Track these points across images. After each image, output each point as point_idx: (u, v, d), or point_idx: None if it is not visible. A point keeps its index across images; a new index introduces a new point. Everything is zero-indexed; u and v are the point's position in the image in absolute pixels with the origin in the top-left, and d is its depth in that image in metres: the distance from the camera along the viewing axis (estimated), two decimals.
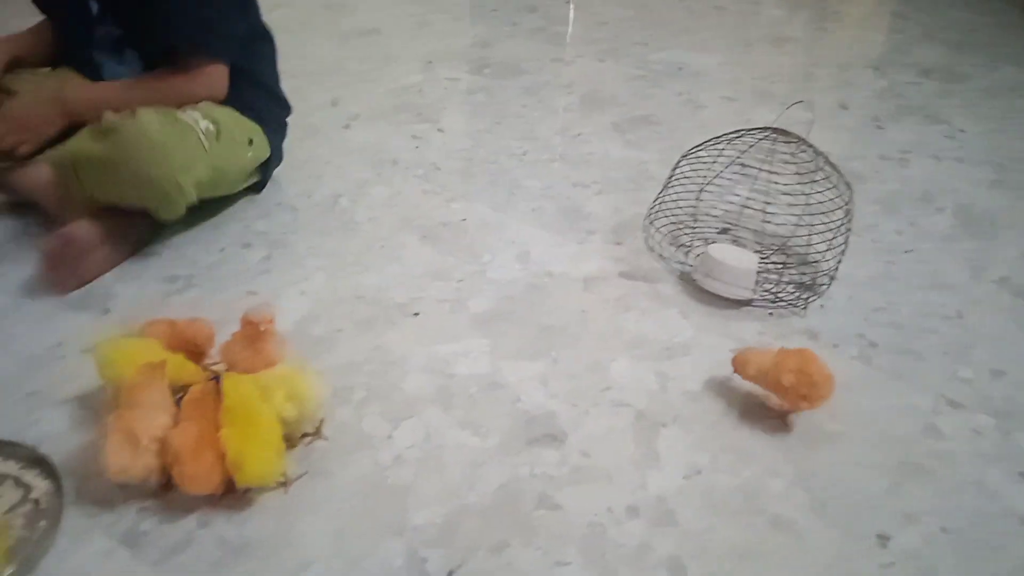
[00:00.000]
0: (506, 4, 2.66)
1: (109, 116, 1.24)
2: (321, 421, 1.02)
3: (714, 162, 1.43)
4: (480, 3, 2.64)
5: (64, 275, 1.24)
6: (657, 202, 1.45)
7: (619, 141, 1.83)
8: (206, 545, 0.89)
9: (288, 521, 0.92)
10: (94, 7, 1.35)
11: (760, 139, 1.35)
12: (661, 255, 1.41)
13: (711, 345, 1.22)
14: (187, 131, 1.28)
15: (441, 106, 1.94)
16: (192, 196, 1.28)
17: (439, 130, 1.82)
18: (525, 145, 1.79)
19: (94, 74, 1.42)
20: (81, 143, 1.27)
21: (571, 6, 2.71)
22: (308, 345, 1.17)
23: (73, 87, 1.35)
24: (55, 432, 1.00)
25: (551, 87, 2.09)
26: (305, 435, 1.01)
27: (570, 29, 2.51)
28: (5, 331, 1.16)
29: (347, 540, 0.90)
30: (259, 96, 1.47)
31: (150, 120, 1.23)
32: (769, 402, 1.09)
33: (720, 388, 1.14)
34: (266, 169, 1.49)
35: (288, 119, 1.56)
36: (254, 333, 1.04)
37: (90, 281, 1.27)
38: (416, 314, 1.26)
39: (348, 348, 1.18)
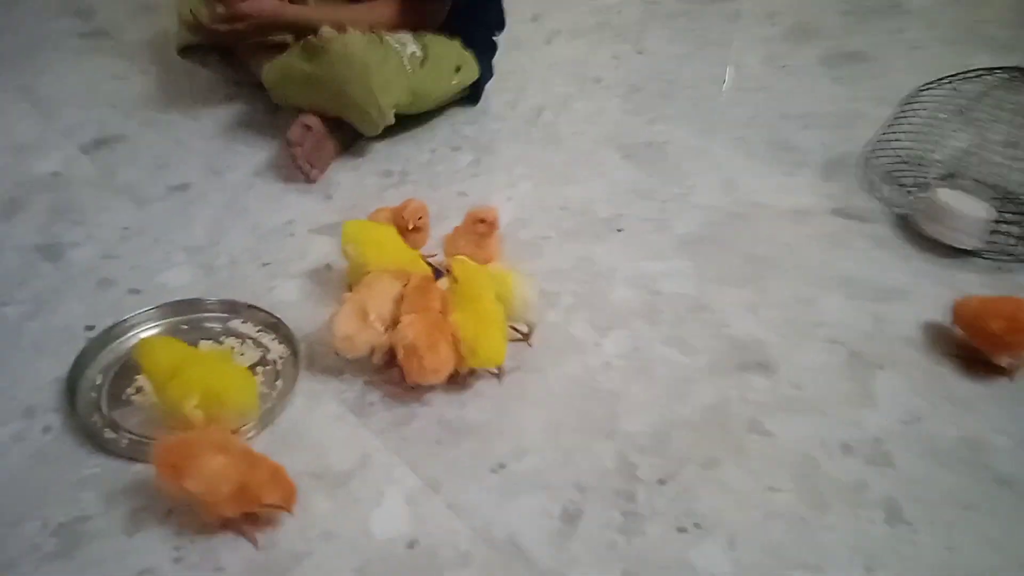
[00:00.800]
0: None
1: (325, 31, 1.28)
2: (530, 328, 1.03)
3: (942, 104, 1.34)
4: None
5: (310, 161, 1.29)
6: (877, 140, 1.37)
7: (827, 76, 1.74)
8: (428, 423, 0.92)
9: (504, 410, 0.94)
10: None
11: (1006, 79, 1.24)
12: (878, 195, 1.34)
13: (930, 292, 1.16)
14: (391, 55, 1.31)
15: (641, 28, 1.89)
16: (390, 116, 1.32)
17: (639, 52, 1.79)
18: (727, 73, 1.73)
19: None
20: (292, 58, 1.32)
21: None
22: (516, 248, 1.19)
23: (295, 7, 1.38)
24: (288, 301, 1.07)
25: (755, 15, 2.01)
26: (515, 332, 1.03)
27: None
28: (242, 206, 1.24)
29: (560, 435, 0.92)
30: (474, 20, 1.48)
31: (356, 41, 1.27)
32: (993, 357, 1.03)
33: (939, 336, 1.08)
34: (478, 86, 1.50)
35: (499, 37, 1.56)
36: (479, 229, 1.06)
37: (326, 168, 1.32)
38: (620, 230, 1.25)
39: (555, 255, 1.19)
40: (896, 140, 1.37)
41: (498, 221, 1.07)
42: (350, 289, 1.00)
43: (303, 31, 1.32)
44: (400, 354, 0.90)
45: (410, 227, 1.07)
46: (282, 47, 1.36)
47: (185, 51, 1.41)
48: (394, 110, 1.31)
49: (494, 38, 1.55)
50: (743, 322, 1.09)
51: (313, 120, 1.30)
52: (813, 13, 2.02)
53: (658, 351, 1.04)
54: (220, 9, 1.30)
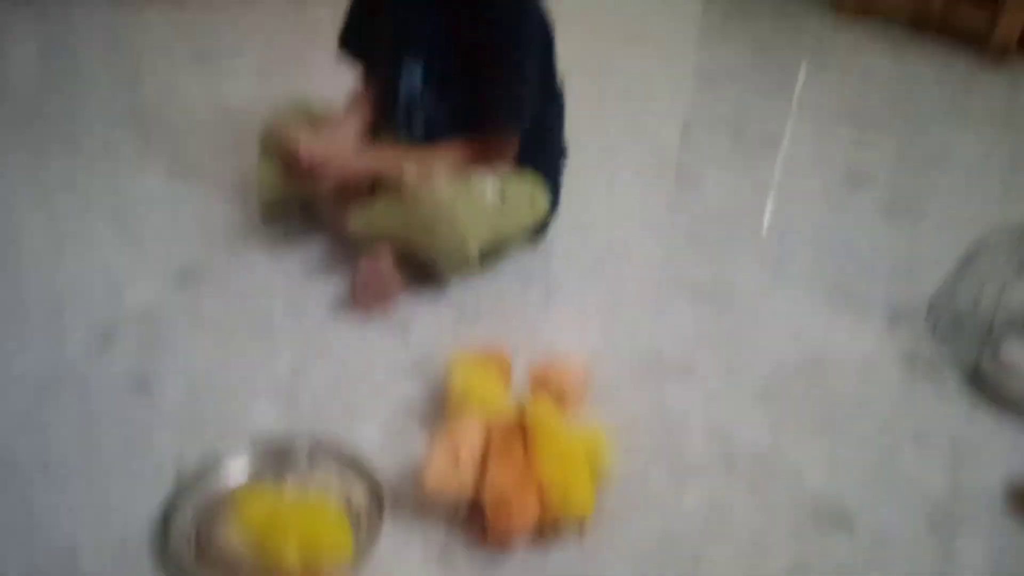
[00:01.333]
0: (759, 75, 2.66)
1: (411, 177, 1.35)
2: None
3: (1006, 256, 1.37)
4: (732, 72, 2.66)
5: (371, 299, 1.34)
6: (940, 290, 1.39)
7: (885, 223, 1.78)
8: (513, 571, 0.92)
9: (586, 565, 0.94)
10: (417, 76, 1.46)
11: None
12: (945, 346, 1.35)
13: (1003, 448, 1.15)
14: (475, 195, 1.38)
15: (700, 170, 1.96)
16: (475, 254, 1.38)
17: (700, 194, 1.84)
18: (787, 218, 1.77)
19: (394, 135, 1.56)
20: (379, 205, 1.39)
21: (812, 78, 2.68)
22: (590, 393, 1.21)
23: (377, 153, 1.47)
24: (370, 439, 1.09)
25: (810, 161, 2.07)
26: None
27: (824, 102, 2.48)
28: (323, 343, 1.28)
29: None
30: (543, 152, 1.55)
31: (443, 187, 1.34)
32: None
33: (1016, 495, 1.07)
34: (546, 221, 1.57)
35: (564, 162, 1.62)
36: (557, 383, 1.09)
37: (389, 304, 1.36)
38: (692, 374, 1.27)
39: (629, 400, 1.21)
40: (960, 291, 1.38)
41: (573, 377, 1.10)
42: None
43: (382, 180, 1.40)
44: (489, 508, 0.90)
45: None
46: (365, 193, 1.43)
47: (269, 210, 1.48)
48: (479, 248, 1.36)
49: (560, 166, 1.61)
50: (820, 475, 1.09)
51: (383, 258, 1.35)
52: (868, 160, 2.07)
53: (737, 506, 1.04)
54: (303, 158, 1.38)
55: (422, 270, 1.41)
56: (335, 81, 1.63)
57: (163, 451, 1.05)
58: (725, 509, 1.03)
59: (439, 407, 1.15)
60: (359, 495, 1.00)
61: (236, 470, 1.02)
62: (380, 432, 1.11)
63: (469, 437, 0.98)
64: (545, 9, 1.44)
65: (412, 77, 1.47)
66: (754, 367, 1.29)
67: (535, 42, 1.42)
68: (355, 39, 1.58)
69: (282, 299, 1.37)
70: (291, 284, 1.40)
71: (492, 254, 1.47)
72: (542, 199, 1.52)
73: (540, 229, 1.58)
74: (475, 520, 0.96)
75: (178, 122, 2.00)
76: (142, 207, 1.61)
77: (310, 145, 1.39)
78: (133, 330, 1.27)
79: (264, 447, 1.05)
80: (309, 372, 1.21)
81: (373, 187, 1.43)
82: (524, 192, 1.48)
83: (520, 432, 1.01)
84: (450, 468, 0.95)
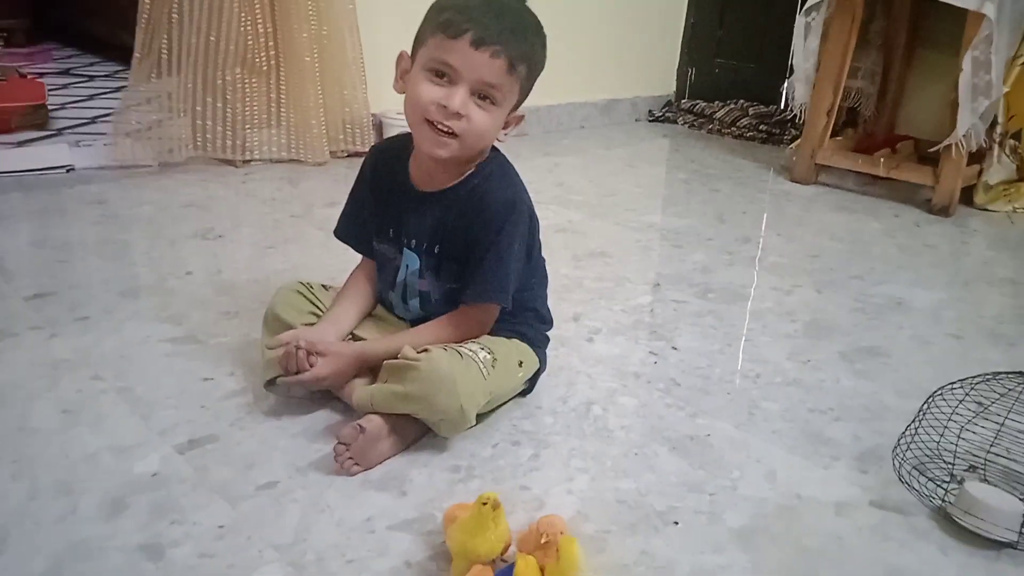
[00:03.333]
0: (721, 235, 2.85)
1: (408, 351, 1.48)
2: None
3: (960, 401, 1.48)
4: (697, 232, 2.85)
5: (354, 459, 1.42)
6: (904, 434, 1.49)
7: (849, 370, 1.90)
8: None
9: None
10: (414, 263, 1.62)
11: (1021, 381, 1.39)
12: (912, 487, 1.44)
13: None
14: (470, 364, 1.49)
15: (673, 326, 2.09)
16: (472, 420, 1.49)
17: (674, 348, 1.96)
18: (757, 368, 1.89)
19: (390, 310, 1.73)
20: (380, 383, 1.51)
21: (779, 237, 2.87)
22: (582, 541, 1.25)
23: (376, 344, 1.60)
24: None
25: (774, 314, 2.21)
26: None
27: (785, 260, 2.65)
28: (325, 503, 1.34)
29: None
30: (527, 320, 1.69)
31: (440, 357, 1.45)
32: None
33: None
34: (534, 378, 1.67)
35: (550, 332, 1.75)
36: (545, 542, 1.16)
37: (373, 466, 1.44)
38: (676, 523, 1.34)
39: (617, 550, 1.27)
40: (922, 435, 1.48)
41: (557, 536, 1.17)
42: None
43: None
44: None
45: (543, 541, 1.15)
46: (365, 371, 1.56)
47: (271, 383, 1.59)
48: (475, 412, 1.46)
49: (543, 332, 1.73)
50: None
51: (372, 422, 1.43)
52: (827, 312, 2.23)
53: None
54: (288, 366, 1.52)
55: (413, 431, 1.50)
56: (325, 257, 1.77)
57: None
58: None
59: (438, 561, 1.21)
60: None
61: None
62: None
63: None
64: (527, 195, 1.61)
65: (411, 265, 1.61)
66: (735, 513, 1.37)
67: (523, 230, 1.58)
68: (352, 231, 1.75)
69: (285, 462, 1.44)
70: (294, 448, 1.48)
71: (486, 412, 1.57)
72: (530, 358, 1.64)
73: (529, 388, 1.68)
74: None
75: (180, 295, 2.12)
76: (149, 379, 1.69)
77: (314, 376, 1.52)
78: (143, 498, 1.33)
79: None
80: (312, 531, 1.27)
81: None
82: (512, 354, 1.60)
83: None
84: None
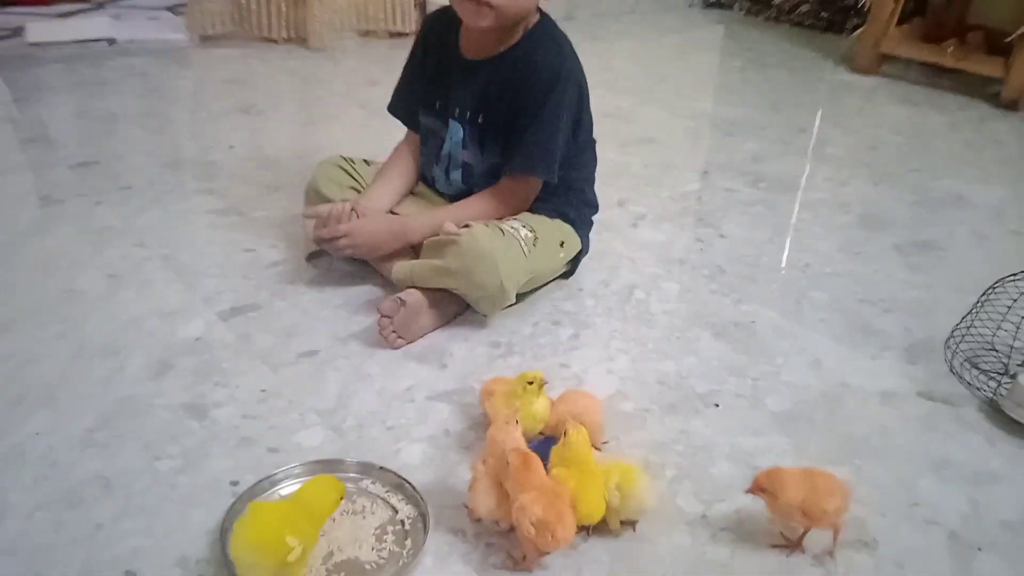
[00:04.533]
0: (776, 123, 2.74)
1: (449, 227, 1.45)
2: (636, 522, 1.08)
3: (1022, 293, 1.42)
4: (750, 120, 2.75)
5: (397, 332, 1.42)
6: (959, 326, 1.45)
7: (902, 263, 1.84)
8: None
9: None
10: (458, 132, 1.57)
11: None
12: (964, 379, 1.40)
13: (1022, 475, 1.20)
14: (511, 241, 1.46)
15: (721, 214, 2.03)
16: (512, 298, 1.47)
17: (721, 235, 1.91)
18: (806, 258, 1.83)
19: (431, 185, 1.69)
20: (421, 257, 1.49)
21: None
22: (620, 419, 1.27)
23: (416, 218, 1.57)
24: (412, 464, 1.15)
25: (827, 205, 2.14)
26: (622, 523, 1.08)
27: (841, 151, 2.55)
28: (365, 372, 1.35)
29: None
30: (572, 201, 1.64)
31: (481, 233, 1.42)
32: None
33: None
34: (576, 261, 1.64)
35: (595, 217, 1.71)
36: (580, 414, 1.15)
37: (415, 340, 1.43)
38: (717, 405, 1.32)
39: (656, 428, 1.26)
40: (978, 327, 1.44)
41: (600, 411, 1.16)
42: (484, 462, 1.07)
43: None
44: (529, 531, 0.95)
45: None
46: (406, 248, 1.54)
47: (312, 256, 1.57)
48: (515, 290, 1.43)
49: (589, 215, 1.69)
50: None
51: (412, 295, 1.42)
52: (884, 204, 2.14)
53: (762, 526, 1.08)
54: (323, 233, 1.49)
55: (453, 307, 1.49)
56: (366, 134, 1.74)
57: (218, 472, 1.12)
58: (750, 529, 1.08)
59: (476, 431, 1.22)
60: (404, 512, 1.06)
61: (288, 489, 1.08)
62: (421, 455, 1.17)
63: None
64: (579, 66, 1.54)
65: (455, 135, 1.56)
66: (777, 399, 1.35)
67: (570, 100, 1.51)
68: (402, 104, 1.70)
69: (327, 332, 1.44)
70: (335, 319, 1.48)
71: (527, 292, 1.55)
72: (572, 239, 1.60)
73: (571, 268, 1.65)
74: (513, 541, 1.01)
75: (223, 168, 2.10)
76: (192, 248, 1.69)
77: (348, 232, 1.49)
78: (187, 360, 1.34)
79: (314, 467, 1.11)
80: (353, 399, 1.28)
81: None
82: (554, 234, 1.56)
83: (536, 458, 1.04)
84: (495, 496, 1.00)
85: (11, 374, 1.30)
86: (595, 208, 1.71)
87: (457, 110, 1.56)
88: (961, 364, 1.43)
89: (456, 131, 1.57)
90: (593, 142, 1.66)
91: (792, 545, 1.05)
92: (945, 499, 1.15)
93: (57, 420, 1.20)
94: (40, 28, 3.10)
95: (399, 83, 1.71)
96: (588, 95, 1.58)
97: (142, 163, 2.11)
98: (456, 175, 1.61)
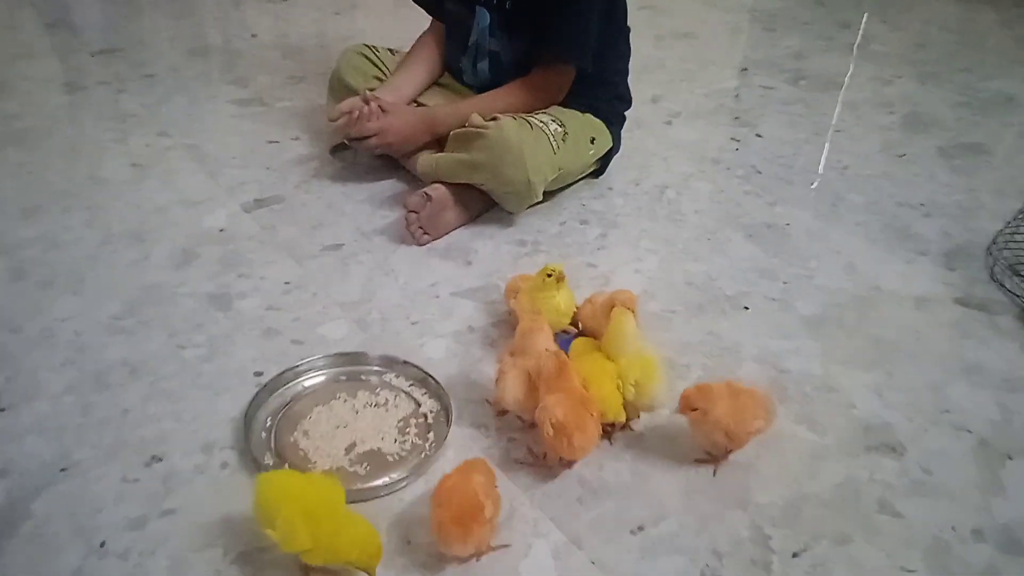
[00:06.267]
0: (820, 17, 2.62)
1: (476, 119, 1.40)
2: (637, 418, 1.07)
3: None
4: (792, 14, 2.62)
5: (422, 227, 1.39)
6: (1004, 232, 1.40)
7: (946, 166, 1.77)
8: (569, 482, 0.98)
9: (641, 474, 0.99)
10: (485, 19, 1.50)
11: None
12: (1004, 286, 1.36)
13: None
14: (540, 135, 1.41)
15: (759, 112, 1.96)
16: (540, 194, 1.42)
17: (757, 135, 1.85)
18: (845, 159, 1.77)
19: (457, 77, 1.62)
20: (447, 149, 1.45)
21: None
22: (645, 320, 1.24)
23: (443, 109, 1.51)
24: (436, 358, 1.15)
25: (870, 104, 2.05)
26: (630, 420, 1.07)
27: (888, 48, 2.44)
28: (390, 266, 1.33)
29: (696, 502, 0.96)
30: (604, 95, 1.58)
31: (509, 126, 1.37)
32: None
33: None
34: (606, 159, 1.59)
35: (628, 112, 1.65)
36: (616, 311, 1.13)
37: (441, 236, 1.41)
38: (746, 308, 1.30)
39: (683, 329, 1.25)
40: (1020, 233, 1.39)
41: (635, 304, 1.13)
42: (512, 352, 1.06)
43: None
44: (548, 432, 0.94)
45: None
46: (432, 141, 1.49)
47: (336, 149, 1.53)
48: (542, 186, 1.40)
49: (621, 112, 1.63)
50: (870, 404, 1.12)
51: (437, 191, 1.39)
52: (929, 104, 2.06)
53: (787, 427, 1.07)
54: (352, 132, 1.44)
55: (478, 204, 1.46)
56: (392, 23, 1.67)
57: (243, 362, 1.12)
58: (775, 430, 1.06)
59: (500, 328, 1.21)
60: (427, 406, 1.06)
61: (311, 380, 1.09)
62: (445, 350, 1.16)
63: (537, 351, 1.02)
64: None
65: (482, 21, 1.49)
66: (808, 302, 1.32)
67: None
68: None
69: (351, 226, 1.42)
70: (359, 211, 1.46)
71: (555, 190, 1.51)
72: (604, 136, 1.55)
73: (601, 167, 1.61)
74: (535, 437, 1.01)
75: (246, 57, 2.05)
76: (216, 138, 1.67)
77: (378, 131, 1.44)
78: (212, 251, 1.34)
79: (337, 361, 1.11)
80: (377, 293, 1.27)
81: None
82: (584, 130, 1.51)
83: (571, 365, 1.03)
84: (523, 388, 1.00)
85: (39, 258, 1.30)
86: (628, 103, 1.65)
87: None
88: (1003, 271, 1.39)
89: (483, 17, 1.50)
90: (627, 31, 1.58)
91: (716, 461, 1.03)
92: (976, 406, 1.13)
93: (84, 305, 1.21)
94: None
95: None
96: None
97: (165, 50, 2.07)
98: (483, 65, 1.55)
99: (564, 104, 1.53)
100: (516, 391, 0.99)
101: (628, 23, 1.57)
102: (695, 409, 0.98)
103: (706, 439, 1.01)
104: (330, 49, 1.80)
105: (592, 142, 1.54)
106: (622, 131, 1.64)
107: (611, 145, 1.59)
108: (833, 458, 1.03)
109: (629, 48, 1.61)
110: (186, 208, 1.44)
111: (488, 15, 1.50)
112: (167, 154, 1.60)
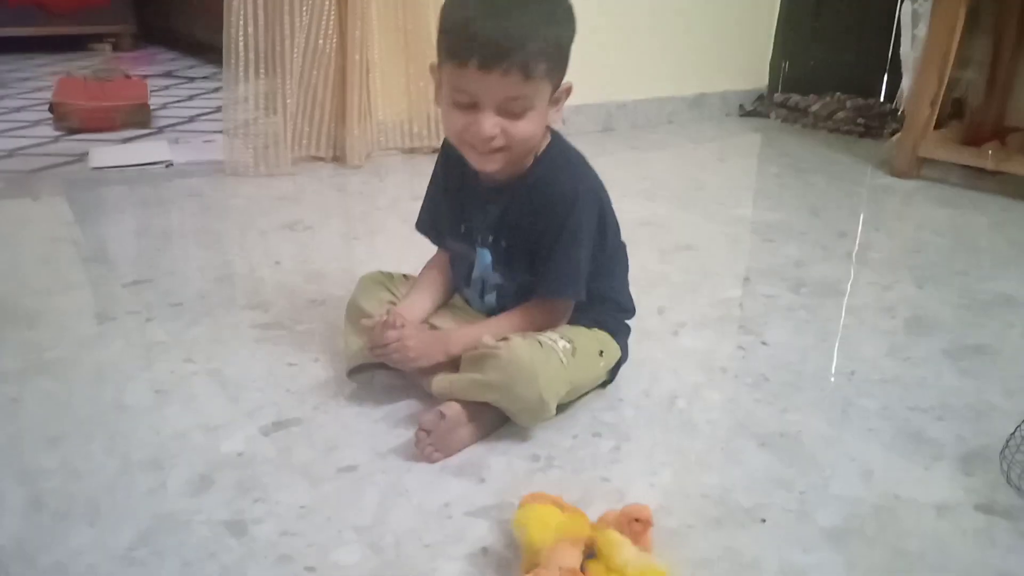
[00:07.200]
0: (815, 228, 2.75)
1: (487, 340, 1.46)
2: None
3: None
4: (788, 226, 2.76)
5: (435, 446, 1.41)
6: (1016, 435, 1.40)
7: (952, 368, 1.79)
8: None
9: None
10: (486, 258, 1.60)
11: None
12: (1022, 490, 1.34)
13: None
14: (550, 354, 1.46)
15: (763, 320, 2.02)
16: (552, 410, 1.46)
17: (763, 343, 1.90)
18: (853, 364, 1.80)
19: (466, 301, 1.71)
20: (461, 370, 1.50)
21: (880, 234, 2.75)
22: (663, 535, 1.23)
23: (455, 332, 1.59)
24: None
25: (872, 309, 2.11)
26: None
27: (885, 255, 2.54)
28: (403, 487, 1.34)
29: None
30: (607, 310, 1.65)
31: (520, 346, 1.43)
32: None
33: None
34: (615, 368, 1.64)
35: (631, 321, 1.71)
36: (634, 528, 1.13)
37: (452, 454, 1.43)
38: (763, 520, 1.28)
39: (701, 544, 1.23)
40: None
41: (651, 519, 1.13)
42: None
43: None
44: None
45: (639, 530, 1.14)
46: (445, 362, 1.54)
47: (355, 371, 1.60)
48: (555, 402, 1.43)
49: (626, 322, 1.69)
50: None
51: (452, 409, 1.42)
52: (930, 307, 2.11)
53: None
54: (375, 341, 1.50)
55: (491, 420, 1.48)
56: (409, 247, 1.78)
57: None
58: None
59: (514, 550, 1.19)
60: None
61: None
62: (459, 572, 1.15)
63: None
64: (595, 180, 1.57)
65: (483, 260, 1.60)
66: (825, 511, 1.30)
67: (589, 217, 1.53)
68: (430, 225, 1.74)
69: (366, 448, 1.44)
70: (375, 433, 1.49)
71: (567, 402, 1.54)
72: (611, 347, 1.60)
73: (610, 379, 1.65)
74: None
75: (269, 283, 2.16)
76: (237, 362, 1.73)
77: (386, 343, 1.50)
78: (228, 475, 1.35)
79: None
80: (390, 515, 1.27)
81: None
82: (592, 344, 1.57)
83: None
84: None
85: (57, 489, 1.32)
86: (631, 312, 1.71)
87: (480, 237, 1.59)
88: (1019, 475, 1.37)
89: (484, 257, 1.60)
90: (622, 246, 1.67)
91: None
92: None
93: (99, 536, 1.21)
94: (103, 153, 3.27)
95: (424, 201, 1.75)
96: (609, 204, 1.59)
97: (193, 278, 2.18)
98: (490, 297, 1.63)
99: (571, 321, 1.59)
100: None
101: (624, 238, 1.67)
102: None
103: None
104: (349, 273, 1.90)
105: (601, 355, 1.59)
106: (629, 340, 1.69)
107: (619, 355, 1.64)
108: None
109: (626, 260, 1.69)
110: (205, 432, 1.47)
111: (488, 254, 1.59)
112: (190, 379, 1.65)
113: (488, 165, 1.47)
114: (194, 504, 1.29)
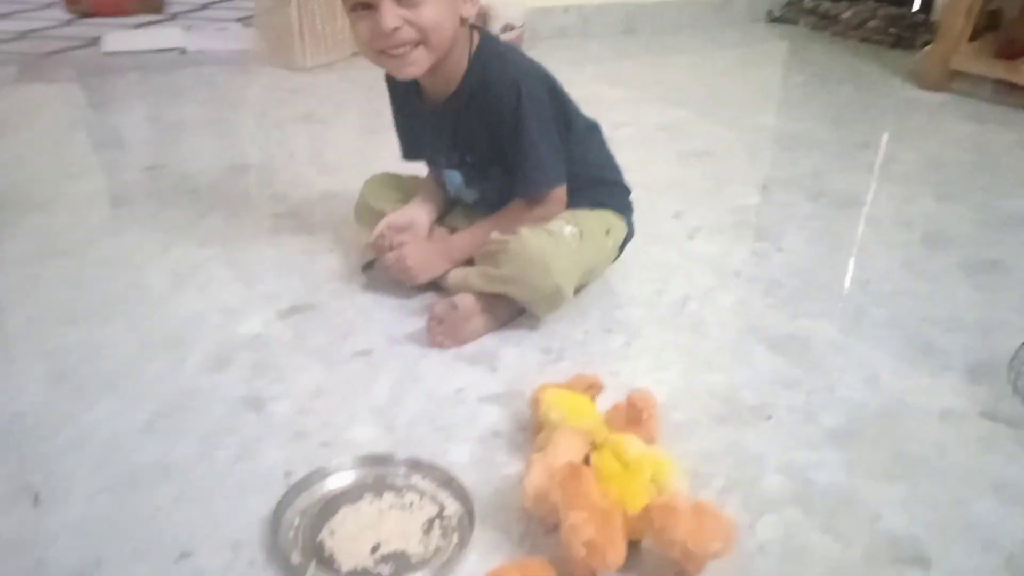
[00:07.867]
0: (838, 139, 2.70)
1: (495, 235, 1.46)
2: None
3: None
4: (810, 136, 2.71)
5: (446, 335, 1.43)
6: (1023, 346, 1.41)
7: (966, 282, 1.79)
8: None
9: None
10: (456, 179, 1.59)
11: None
12: None
13: None
14: (559, 241, 1.46)
15: (779, 228, 2.01)
16: (570, 295, 1.46)
17: (779, 249, 1.89)
18: (867, 274, 1.80)
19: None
20: (474, 266, 1.51)
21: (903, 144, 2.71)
22: (669, 429, 1.26)
23: (458, 237, 1.58)
24: (461, 463, 1.16)
25: (890, 222, 2.10)
26: None
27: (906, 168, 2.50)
28: (417, 372, 1.37)
29: None
30: (601, 187, 1.63)
31: (529, 237, 1.43)
32: None
33: None
34: (623, 245, 1.66)
35: (631, 198, 1.69)
36: (637, 415, 1.15)
37: (466, 343, 1.45)
38: (769, 418, 1.31)
39: (706, 438, 1.26)
40: None
41: (655, 407, 1.15)
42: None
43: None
44: (580, 552, 0.93)
45: (644, 417, 1.16)
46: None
47: (367, 266, 1.61)
48: (572, 288, 1.44)
49: (627, 199, 1.68)
50: (896, 517, 1.11)
51: (465, 300, 1.44)
52: (948, 222, 2.09)
53: (811, 538, 1.07)
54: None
55: (506, 311, 1.50)
56: None
57: (273, 463, 1.15)
58: (800, 543, 1.06)
59: (525, 434, 1.22)
60: (451, 508, 1.07)
61: (339, 481, 1.11)
62: (469, 455, 1.18)
63: (565, 453, 1.04)
64: (533, 66, 1.50)
65: (453, 181, 1.59)
66: (830, 412, 1.32)
67: (540, 103, 1.46)
68: (406, 150, 1.71)
69: (381, 334, 1.46)
70: (388, 318, 1.51)
71: (582, 285, 1.56)
72: (617, 225, 1.61)
73: (617, 255, 1.67)
74: (555, 541, 1.01)
75: (284, 174, 2.16)
76: (253, 250, 1.74)
77: (392, 257, 1.53)
78: (246, 356, 1.38)
79: (365, 463, 1.13)
80: (404, 398, 1.30)
81: None
82: (600, 228, 1.57)
83: (587, 471, 1.03)
84: (548, 484, 1.01)
85: (77, 364, 1.35)
86: (627, 189, 1.68)
87: (444, 159, 1.57)
88: None
89: (453, 177, 1.58)
90: (594, 125, 1.61)
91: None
92: (1004, 522, 1.12)
93: (121, 409, 1.25)
94: (116, 38, 3.22)
95: (398, 134, 1.71)
96: (558, 84, 1.52)
97: (208, 167, 2.18)
98: (479, 207, 1.62)
99: (572, 204, 1.57)
100: (538, 488, 1.00)
101: (591, 118, 1.61)
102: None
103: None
104: (364, 167, 1.88)
105: (607, 233, 1.59)
106: (642, 245, 1.69)
107: (626, 232, 1.65)
108: (859, 570, 1.02)
109: (602, 136, 1.64)
110: (223, 315, 1.50)
111: (457, 175, 1.58)
112: (206, 264, 1.67)
113: (410, 68, 1.40)
114: (213, 381, 1.32)
